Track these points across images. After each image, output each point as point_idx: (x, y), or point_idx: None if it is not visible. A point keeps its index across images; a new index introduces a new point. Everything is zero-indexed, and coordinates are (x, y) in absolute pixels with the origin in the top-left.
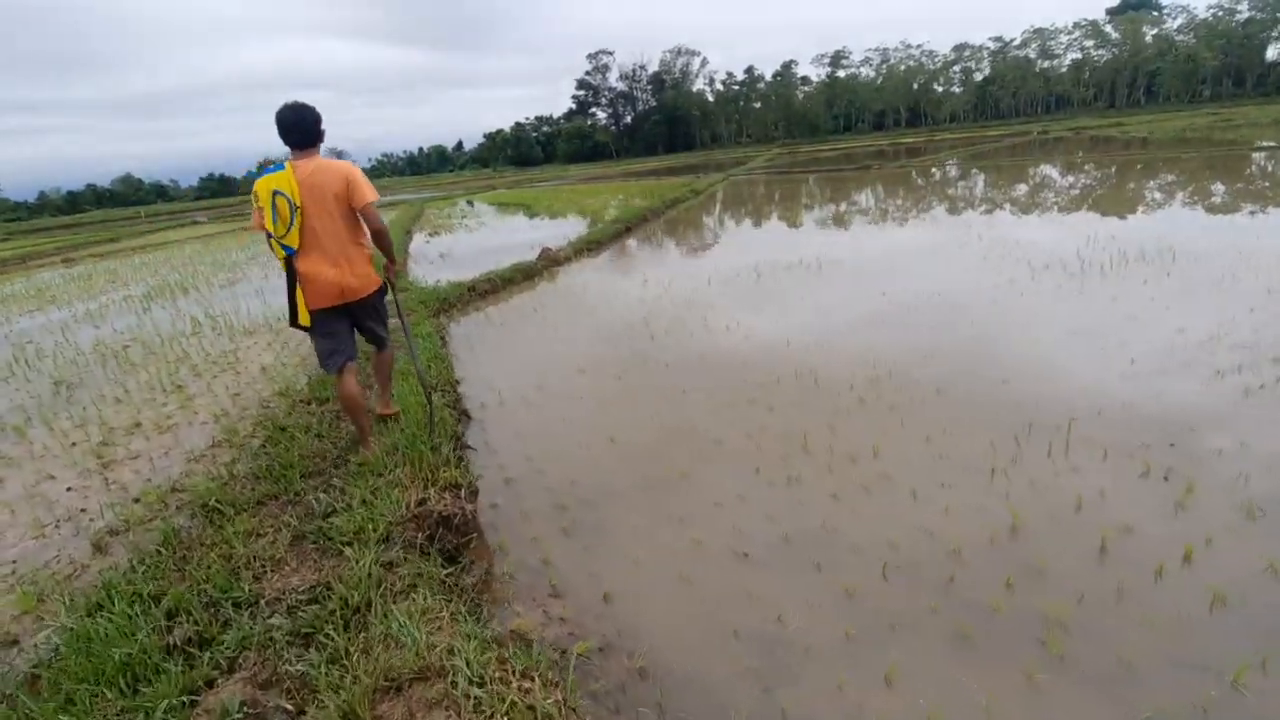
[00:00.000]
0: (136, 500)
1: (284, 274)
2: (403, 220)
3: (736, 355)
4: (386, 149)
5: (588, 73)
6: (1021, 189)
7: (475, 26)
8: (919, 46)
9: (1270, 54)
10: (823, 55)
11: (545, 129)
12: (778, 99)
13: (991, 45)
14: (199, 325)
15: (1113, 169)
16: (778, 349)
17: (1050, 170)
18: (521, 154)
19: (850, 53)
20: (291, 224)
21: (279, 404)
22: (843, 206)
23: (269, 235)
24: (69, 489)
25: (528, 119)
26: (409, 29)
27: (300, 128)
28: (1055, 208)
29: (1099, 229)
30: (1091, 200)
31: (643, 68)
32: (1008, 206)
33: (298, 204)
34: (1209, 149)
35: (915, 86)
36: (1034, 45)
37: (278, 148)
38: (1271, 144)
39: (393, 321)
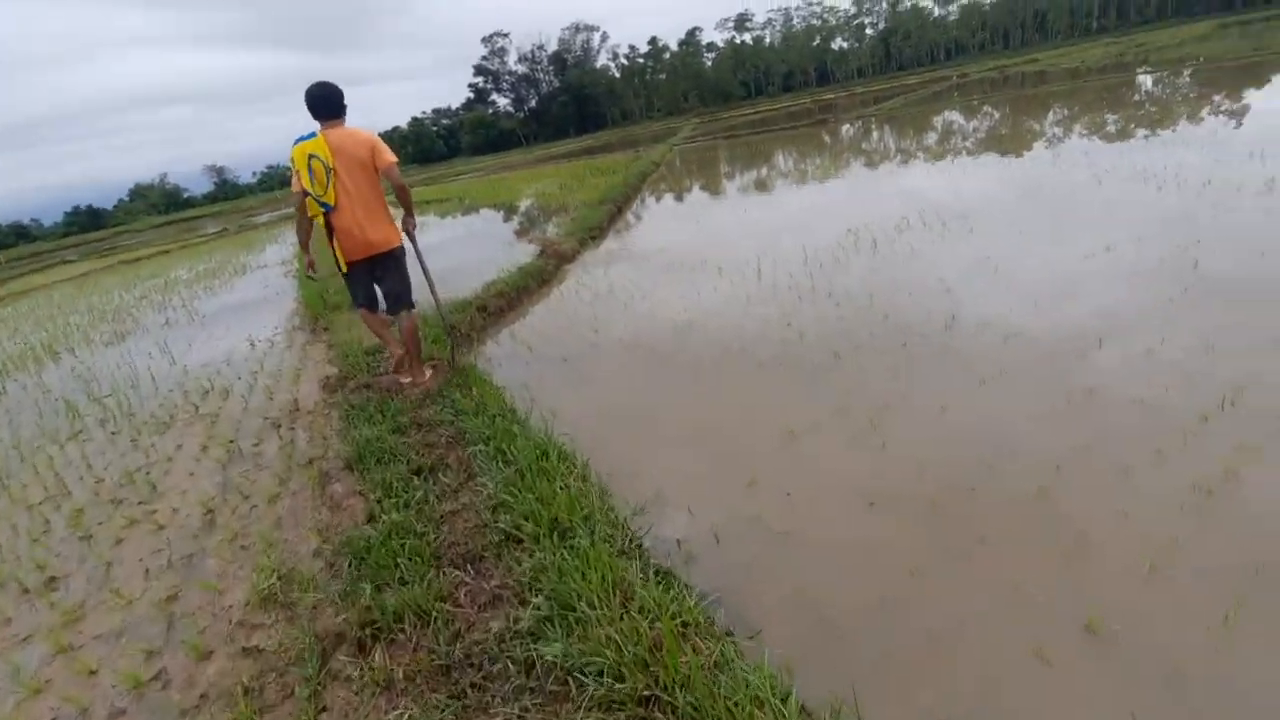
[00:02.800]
0: None
1: (320, 231)
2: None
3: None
4: (272, 160)
5: (484, 58)
6: (1034, 121)
7: (350, 23)
8: (820, 3)
9: None
10: (726, 20)
11: (445, 121)
12: (685, 68)
13: None
14: (78, 417)
15: (1099, 93)
16: (1054, 347)
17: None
18: (423, 150)
19: (753, 15)
20: (328, 184)
21: (283, 639)
22: (848, 158)
23: (305, 194)
24: None
25: (424, 113)
26: (279, 32)
27: (327, 101)
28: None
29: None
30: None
31: (541, 48)
32: (1041, 133)
33: (331, 165)
34: (1147, 70)
35: (816, 42)
36: None
37: (144, 175)
38: (1198, 62)
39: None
